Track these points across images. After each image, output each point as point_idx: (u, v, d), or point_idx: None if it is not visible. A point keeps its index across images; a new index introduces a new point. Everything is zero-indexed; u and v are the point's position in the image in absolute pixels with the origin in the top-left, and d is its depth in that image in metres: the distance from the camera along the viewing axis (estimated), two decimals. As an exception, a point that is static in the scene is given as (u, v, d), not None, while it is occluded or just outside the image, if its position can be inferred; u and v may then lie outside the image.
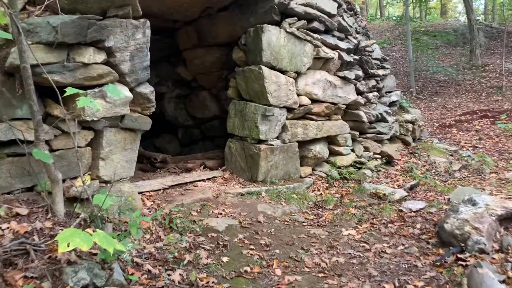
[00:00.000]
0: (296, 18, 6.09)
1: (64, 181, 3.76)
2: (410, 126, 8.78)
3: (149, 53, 4.38)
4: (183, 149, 8.39)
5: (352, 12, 7.85)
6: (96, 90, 3.88)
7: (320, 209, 5.46)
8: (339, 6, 6.97)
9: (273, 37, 5.84)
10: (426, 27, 22.41)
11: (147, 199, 4.98)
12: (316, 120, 6.60)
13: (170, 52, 7.60)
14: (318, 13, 6.28)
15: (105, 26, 3.79)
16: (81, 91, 3.14)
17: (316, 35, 6.27)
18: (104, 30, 3.78)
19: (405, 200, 5.79)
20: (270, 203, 5.30)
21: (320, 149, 6.71)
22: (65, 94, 3.13)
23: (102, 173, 4.20)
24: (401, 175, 7.30)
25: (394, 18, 26.61)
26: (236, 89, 6.39)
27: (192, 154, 8.20)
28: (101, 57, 3.87)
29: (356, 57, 7.17)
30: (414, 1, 24.89)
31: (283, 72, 6.05)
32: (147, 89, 4.42)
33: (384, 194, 5.84)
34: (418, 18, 27.53)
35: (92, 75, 3.81)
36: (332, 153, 6.97)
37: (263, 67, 5.80)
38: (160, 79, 7.98)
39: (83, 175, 4.10)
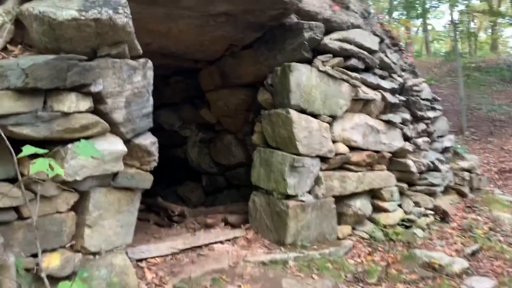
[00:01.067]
0: (331, 55, 5.30)
1: (35, 255, 3.04)
2: (466, 175, 7.63)
3: (151, 98, 3.70)
4: (207, 198, 7.62)
5: (396, 48, 6.99)
6: (77, 143, 3.17)
7: (361, 284, 4.44)
8: (381, 41, 6.14)
9: (303, 77, 5.06)
10: (477, 63, 21.08)
11: (149, 269, 4.17)
12: (355, 171, 5.67)
13: (194, 94, 6.98)
14: (356, 49, 5.47)
15: (90, 68, 3.12)
16: (41, 150, 2.44)
17: (354, 74, 5.43)
18: (89, 72, 3.12)
19: (467, 273, 4.68)
20: (299, 276, 4.35)
21: (361, 205, 5.73)
22: (20, 155, 2.46)
23: (89, 243, 3.45)
24: (458, 235, 6.14)
25: (441, 54, 25.41)
26: (262, 134, 5.60)
27: (216, 204, 7.43)
28: (86, 104, 3.19)
29: (402, 97, 6.25)
30: (463, 36, 23.69)
31: (315, 116, 5.22)
32: (147, 140, 3.70)
33: (440, 265, 4.75)
34: (468, 54, 26.16)
35: (74, 126, 3.13)
36: (376, 209, 5.96)
37: (291, 110, 5.01)
38: (183, 122, 7.35)
39: (64, 247, 3.38)
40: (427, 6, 21.74)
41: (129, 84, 3.44)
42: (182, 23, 4.69)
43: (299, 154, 5.03)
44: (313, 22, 5.07)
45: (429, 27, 29.23)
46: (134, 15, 4.23)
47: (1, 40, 3.34)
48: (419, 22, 26.96)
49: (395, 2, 23.94)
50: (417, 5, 21.63)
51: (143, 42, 5.29)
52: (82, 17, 3.04)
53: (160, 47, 5.57)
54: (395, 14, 23.33)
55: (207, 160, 7.29)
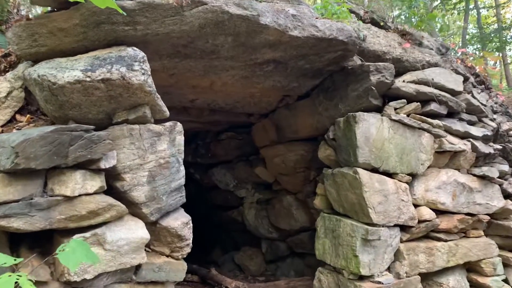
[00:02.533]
0: (404, 101, 4.39)
1: None
2: None
3: (182, 168, 3.03)
4: (268, 267, 6.73)
5: (483, 86, 5.89)
6: (88, 234, 2.52)
7: None
8: (466, 79, 5.13)
9: (371, 128, 4.17)
10: None
11: None
12: (445, 240, 4.55)
13: (248, 150, 6.29)
14: (437, 91, 4.51)
15: (98, 139, 2.50)
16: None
17: (435, 121, 4.44)
18: (97, 145, 2.50)
19: None
20: None
21: (456, 283, 4.56)
22: None
23: None
24: None
25: (525, 87, 23.02)
26: (325, 198, 4.71)
27: (277, 275, 6.53)
28: (95, 184, 2.56)
29: (498, 146, 5.09)
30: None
31: (390, 175, 4.27)
32: (178, 221, 2.99)
33: None
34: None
35: (80, 213, 2.48)
36: (475, 287, 4.73)
37: (359, 170, 4.11)
38: (238, 181, 6.63)
39: None
40: (506, 37, 20.01)
41: (152, 154, 2.79)
42: (225, 75, 4.06)
43: (372, 224, 4.07)
44: (381, 63, 4.23)
45: (509, 60, 26.96)
46: (169, 70, 3.71)
47: (8, 110, 2.85)
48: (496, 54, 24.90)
49: (467, 36, 22.38)
50: (493, 37, 19.96)
51: (187, 98, 4.81)
52: (88, 78, 2.47)
53: (207, 103, 4.99)
54: (470, 49, 21.72)
55: (266, 223, 6.46)
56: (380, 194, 4.11)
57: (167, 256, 3.03)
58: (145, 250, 2.89)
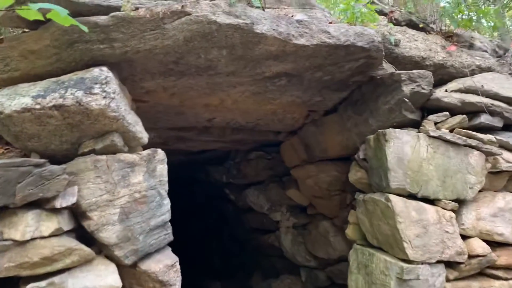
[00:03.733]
0: (447, 113, 3.74)
1: None
2: None
3: (166, 201, 2.65)
4: (308, 297, 6.14)
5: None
6: (43, 283, 2.20)
7: None
8: (526, 84, 4.32)
9: (405, 148, 3.56)
10: None
11: None
12: (505, 279, 3.76)
13: (280, 171, 5.81)
14: (488, 101, 3.80)
15: (51, 175, 2.19)
16: None
17: (487, 136, 3.72)
18: (50, 181, 2.19)
19: None
20: None
21: (520, 331, 3.75)
22: None
23: None
24: None
25: None
26: (358, 227, 4.13)
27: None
28: (51, 225, 2.25)
29: None
30: None
31: (431, 202, 3.62)
32: (160, 264, 2.60)
33: None
34: None
35: (32, 259, 2.17)
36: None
37: (392, 196, 3.51)
38: (272, 204, 6.16)
39: None
40: None
41: (125, 187, 2.43)
42: (234, 92, 3.67)
43: (409, 261, 3.44)
44: (415, 71, 3.62)
45: None
46: (168, 90, 3.39)
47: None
48: None
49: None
50: None
51: (204, 118, 4.44)
52: (38, 106, 2.18)
53: (226, 121, 4.61)
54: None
55: (303, 250, 5.91)
56: (418, 225, 3.47)
57: (149, 304, 2.65)
58: (125, 296, 2.53)
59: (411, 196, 3.60)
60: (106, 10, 2.66)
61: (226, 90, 3.62)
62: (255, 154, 5.77)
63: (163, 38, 2.68)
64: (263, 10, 3.05)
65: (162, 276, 2.55)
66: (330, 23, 3.24)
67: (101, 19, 2.58)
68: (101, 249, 2.46)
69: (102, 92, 2.28)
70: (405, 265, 3.44)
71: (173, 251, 2.78)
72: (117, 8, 2.68)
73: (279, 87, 3.67)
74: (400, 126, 3.75)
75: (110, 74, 2.38)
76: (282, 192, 5.84)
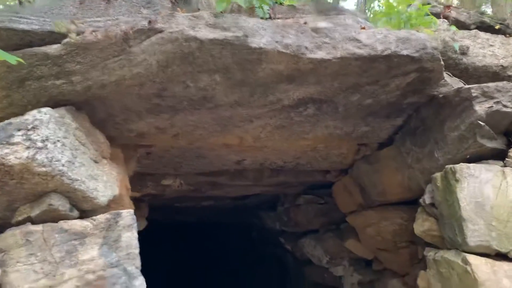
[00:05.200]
0: (544, 137, 2.69)
1: None
2: None
3: (138, 282, 2.01)
4: None
5: None
6: None
7: None
8: None
9: (486, 188, 2.58)
10: None
11: None
12: None
13: (336, 217, 4.88)
14: None
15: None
16: None
17: None
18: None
19: None
20: None
21: None
22: None
23: None
24: None
25: None
26: (432, 294, 3.10)
27: None
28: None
29: None
30: None
31: (532, 264, 2.55)
32: None
33: None
34: None
35: None
36: None
37: (471, 258, 2.54)
38: (331, 256, 5.21)
39: None
40: None
41: (71, 267, 1.79)
42: (252, 128, 2.97)
43: None
44: (491, 84, 2.67)
45: None
46: (167, 131, 2.79)
47: None
48: None
49: None
50: None
51: (231, 160, 3.77)
52: None
53: (259, 163, 3.91)
54: None
55: (371, 314, 4.85)
56: (514, 300, 2.42)
57: None
58: None
59: (501, 256, 2.57)
60: (63, 38, 2.13)
61: (241, 126, 2.93)
62: (304, 198, 4.93)
63: (130, 65, 2.09)
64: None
65: None
66: (362, 28, 2.45)
67: (52, 48, 2.06)
68: None
69: (25, 141, 1.71)
70: None
71: None
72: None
73: (308, 117, 2.90)
74: (477, 158, 2.77)
75: (46, 116, 1.81)
76: (341, 243, 4.89)
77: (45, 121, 1.77)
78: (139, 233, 4.73)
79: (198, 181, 4.31)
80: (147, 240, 10.05)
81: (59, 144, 1.78)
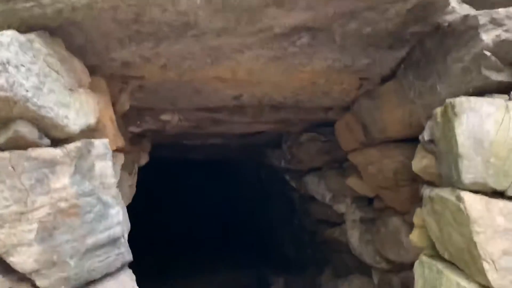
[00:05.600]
0: (555, 69, 2.49)
1: None
2: None
3: (115, 210, 2.01)
4: (383, 303, 5.14)
5: None
6: None
7: None
8: None
9: (487, 123, 2.44)
10: None
11: None
12: None
13: (339, 155, 4.81)
14: None
15: None
16: None
17: None
18: None
19: None
20: None
21: None
22: None
23: None
24: None
25: None
26: (425, 230, 3.07)
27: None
28: None
29: None
30: None
31: (528, 202, 2.46)
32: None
33: None
34: None
35: None
36: None
37: (465, 195, 2.45)
38: (334, 193, 5.20)
39: None
40: None
41: (43, 195, 1.77)
42: (244, 60, 2.83)
43: (491, 289, 2.36)
44: (501, 10, 2.45)
45: None
46: (154, 60, 2.70)
47: None
48: None
49: None
50: None
51: (228, 95, 3.69)
52: None
53: (257, 99, 3.80)
54: None
55: (371, 250, 4.90)
56: (506, 237, 2.36)
57: None
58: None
59: (497, 194, 2.48)
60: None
61: (233, 58, 2.80)
62: (306, 136, 4.84)
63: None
64: None
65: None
66: None
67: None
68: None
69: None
70: (485, 295, 2.36)
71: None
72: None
73: (303, 48, 2.74)
74: (481, 92, 2.60)
75: (7, 39, 1.70)
76: (343, 181, 4.86)
77: (5, 43, 1.68)
78: (144, 167, 4.78)
79: (198, 118, 4.26)
80: (161, 176, 10.29)
81: (23, 69, 1.70)
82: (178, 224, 10.96)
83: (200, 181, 11.57)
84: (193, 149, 6.91)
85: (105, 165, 1.94)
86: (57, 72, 1.93)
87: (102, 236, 1.93)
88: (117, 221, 1.97)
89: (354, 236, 5.13)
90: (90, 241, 1.90)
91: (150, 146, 4.69)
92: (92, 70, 2.45)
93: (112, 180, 1.95)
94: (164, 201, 11.22)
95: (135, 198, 4.04)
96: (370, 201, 4.87)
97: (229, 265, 7.88)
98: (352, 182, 4.63)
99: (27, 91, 1.69)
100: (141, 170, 7.03)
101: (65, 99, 1.93)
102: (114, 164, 2.57)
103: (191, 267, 7.77)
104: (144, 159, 4.43)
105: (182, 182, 11.39)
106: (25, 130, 1.77)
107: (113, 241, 1.97)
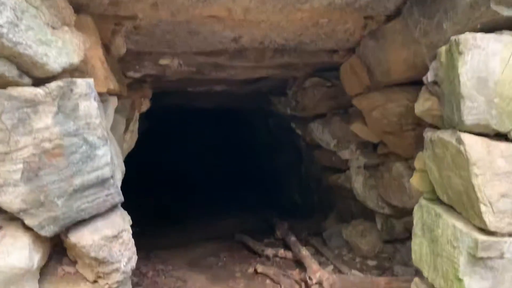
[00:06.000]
0: None
1: None
2: None
3: (102, 151, 1.94)
4: (385, 248, 5.22)
5: None
6: None
7: None
8: None
9: (492, 62, 2.32)
10: None
11: None
12: None
13: (343, 101, 4.70)
14: None
15: None
16: None
17: None
18: None
19: None
20: None
21: None
22: None
23: None
24: None
25: None
26: (426, 174, 3.02)
27: (396, 259, 5.02)
28: None
29: None
30: None
31: (532, 144, 2.38)
32: (97, 234, 1.95)
33: None
34: None
35: None
36: None
37: (466, 137, 2.38)
38: (338, 140, 5.14)
39: None
40: None
41: (26, 135, 1.74)
42: (238, -3, 2.69)
43: (488, 232, 2.33)
44: None
45: None
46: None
47: None
48: None
49: None
50: None
51: (227, 37, 3.57)
52: None
53: (258, 41, 3.68)
54: None
55: (374, 196, 4.91)
56: (506, 180, 2.31)
57: (93, 283, 2.03)
58: (64, 271, 1.95)
59: (500, 137, 2.39)
60: None
61: (223, -5, 2.66)
62: (310, 81, 4.71)
63: None
64: None
65: (96, 252, 1.90)
66: None
67: None
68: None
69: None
70: (481, 236, 2.34)
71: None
72: None
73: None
74: (490, 29, 2.45)
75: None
76: (348, 127, 4.78)
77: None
78: (146, 113, 4.74)
79: (198, 62, 4.15)
80: (171, 125, 10.29)
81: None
82: (187, 171, 11.11)
83: (210, 130, 11.58)
84: (199, 97, 6.84)
85: (90, 105, 1.89)
86: (36, 8, 1.84)
87: (90, 177, 1.93)
88: (105, 162, 1.95)
89: (358, 182, 5.13)
90: (77, 181, 1.90)
91: (151, 93, 4.63)
92: (78, 9, 2.35)
93: (97, 120, 1.91)
94: (174, 148, 11.31)
95: (142, 144, 4.02)
96: (374, 147, 4.81)
97: (237, 211, 8.00)
98: (357, 127, 4.55)
99: (1, 26, 1.62)
100: (149, 117, 7.05)
101: (46, 37, 1.85)
102: (107, 107, 2.54)
103: (199, 212, 7.93)
104: (145, 106, 4.39)
105: (191, 131, 11.41)
106: (3, 68, 1.71)
107: (101, 182, 1.96)
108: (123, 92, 3.27)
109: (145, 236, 6.73)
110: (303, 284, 4.38)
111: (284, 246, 5.60)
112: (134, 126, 4.06)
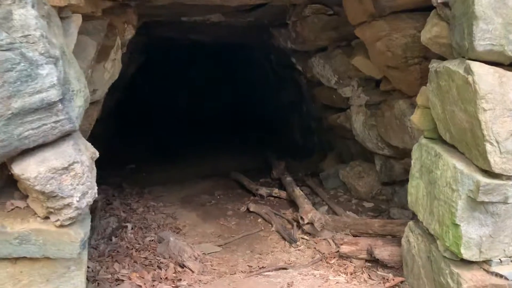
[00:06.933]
0: None
1: None
2: None
3: (45, 70, 1.66)
4: (383, 189, 5.04)
5: None
6: None
7: None
8: None
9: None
10: None
11: None
12: None
13: (346, 32, 4.28)
14: None
15: None
16: None
17: None
18: None
19: None
20: None
21: None
22: None
23: None
24: None
25: None
26: (429, 111, 2.73)
27: (394, 200, 4.87)
28: None
29: None
30: None
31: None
32: (43, 166, 1.72)
33: None
34: None
35: None
36: None
37: (476, 66, 2.06)
38: (339, 76, 4.79)
39: None
40: None
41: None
42: None
43: (492, 174, 2.09)
44: None
45: None
46: None
47: None
48: None
49: None
50: None
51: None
52: None
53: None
54: None
55: (374, 136, 4.64)
56: (516, 116, 2.02)
57: (44, 218, 1.83)
58: (13, 205, 1.75)
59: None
60: None
61: None
62: (311, 8, 4.25)
63: None
64: None
65: (42, 185, 1.68)
66: None
67: None
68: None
69: None
70: (484, 179, 2.09)
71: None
72: None
73: None
74: None
75: None
76: (349, 61, 4.42)
77: None
78: (141, 47, 4.38)
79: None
80: (170, 59, 9.88)
81: None
82: (188, 107, 10.87)
83: (211, 65, 11.17)
84: (195, 28, 6.41)
85: (26, 13, 1.57)
86: None
87: (32, 100, 1.65)
88: (50, 83, 1.66)
89: (358, 122, 4.85)
90: (17, 105, 1.63)
91: (136, 18, 4.25)
92: None
93: (37, 33, 1.60)
94: (173, 84, 10.97)
95: (140, 79, 3.71)
96: (376, 84, 4.48)
97: (237, 150, 7.83)
98: (359, 61, 4.20)
99: None
100: (147, 51, 6.62)
101: None
102: (68, 25, 2.23)
103: (199, 151, 7.76)
104: (129, 33, 4.03)
105: (192, 66, 11.02)
106: None
107: (47, 107, 1.69)
108: (96, 13, 2.93)
109: (141, 172, 6.66)
110: (295, 224, 4.25)
111: (280, 186, 5.44)
112: (117, 54, 3.74)
